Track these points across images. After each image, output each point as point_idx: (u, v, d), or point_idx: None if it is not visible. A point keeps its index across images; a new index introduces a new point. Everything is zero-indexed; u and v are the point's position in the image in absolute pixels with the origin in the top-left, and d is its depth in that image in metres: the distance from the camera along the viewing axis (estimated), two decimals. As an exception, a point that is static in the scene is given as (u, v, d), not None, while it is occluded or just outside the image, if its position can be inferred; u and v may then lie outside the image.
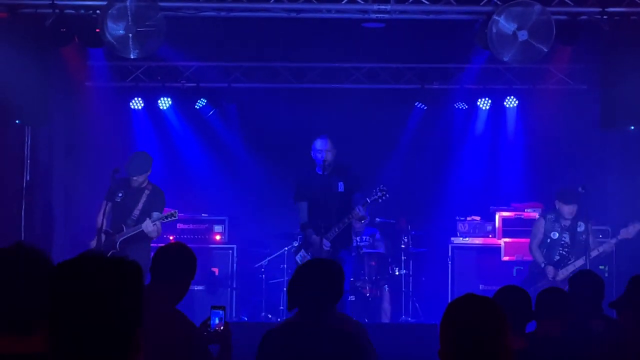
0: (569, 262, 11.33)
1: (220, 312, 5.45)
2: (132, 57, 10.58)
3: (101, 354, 2.52)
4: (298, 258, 11.18)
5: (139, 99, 14.14)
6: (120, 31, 10.27)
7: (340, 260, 10.58)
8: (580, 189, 11.08)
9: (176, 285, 5.80)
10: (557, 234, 11.41)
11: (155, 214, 10.96)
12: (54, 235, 12.68)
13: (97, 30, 10.41)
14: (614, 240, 11.37)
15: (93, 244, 10.75)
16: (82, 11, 10.62)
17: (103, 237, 10.71)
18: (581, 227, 11.34)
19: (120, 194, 11.01)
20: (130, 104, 14.13)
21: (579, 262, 11.23)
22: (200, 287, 12.86)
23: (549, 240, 11.44)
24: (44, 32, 10.59)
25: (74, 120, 13.19)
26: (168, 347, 5.27)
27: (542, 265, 11.36)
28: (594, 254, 11.24)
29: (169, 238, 12.48)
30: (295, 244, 11.70)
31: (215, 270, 13.22)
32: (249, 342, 5.87)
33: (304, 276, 5.53)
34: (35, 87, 10.63)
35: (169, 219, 11.08)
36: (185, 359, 5.50)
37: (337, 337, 5.26)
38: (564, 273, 11.21)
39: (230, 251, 13.37)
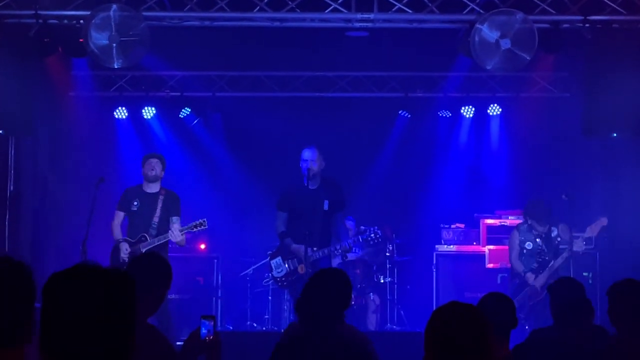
0: (544, 268, 11.30)
1: (210, 322, 5.39)
2: (116, 67, 10.57)
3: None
4: (273, 263, 11.16)
5: (123, 108, 14.14)
6: (104, 41, 10.26)
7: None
8: (563, 196, 11.13)
9: (150, 297, 5.58)
10: (532, 244, 11.41)
11: (175, 218, 10.92)
12: (39, 245, 12.63)
13: (81, 40, 10.39)
14: (581, 240, 11.28)
15: (122, 253, 10.67)
16: (66, 21, 10.60)
17: (125, 246, 10.68)
18: (554, 232, 11.37)
19: (135, 203, 10.90)
20: (115, 113, 14.13)
21: (557, 263, 11.22)
22: (185, 297, 12.84)
23: (524, 251, 11.43)
24: (27, 42, 10.57)
25: (58, 130, 13.17)
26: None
27: (523, 274, 11.35)
28: (565, 254, 11.24)
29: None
30: (269, 252, 11.63)
31: (200, 279, 13.21)
32: (234, 351, 5.88)
33: (316, 288, 5.62)
34: (19, 97, 10.61)
35: (199, 229, 10.98)
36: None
37: (349, 347, 5.30)
38: (543, 278, 11.16)
39: (215, 260, 13.37)
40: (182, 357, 5.36)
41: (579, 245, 11.28)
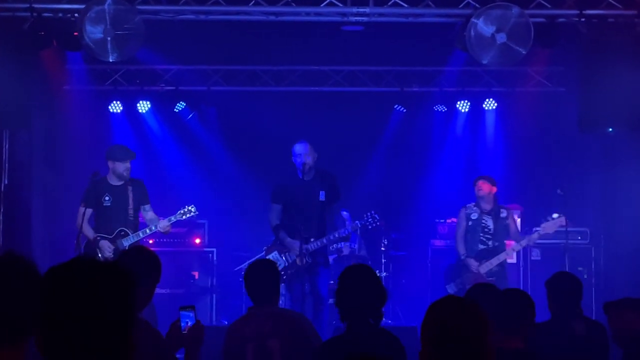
0: (491, 256, 11.16)
1: (190, 312, 5.24)
2: (110, 61, 10.55)
3: (94, 357, 2.51)
4: (270, 258, 11.12)
5: (118, 102, 14.11)
6: (99, 34, 10.24)
7: (317, 264, 10.57)
8: (558, 191, 11.12)
9: (141, 291, 5.45)
10: (477, 215, 11.32)
11: (148, 207, 10.78)
12: (33, 239, 12.60)
13: (76, 33, 10.37)
14: (535, 235, 11.20)
15: (106, 252, 10.41)
16: (60, 14, 10.57)
17: (107, 243, 10.49)
18: (504, 214, 11.33)
19: (107, 197, 10.65)
20: (109, 107, 14.10)
21: (502, 256, 11.18)
22: (180, 291, 12.81)
23: (470, 223, 11.34)
24: (22, 35, 10.54)
25: (53, 124, 13.15)
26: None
27: (463, 257, 11.26)
28: (516, 247, 11.29)
29: (148, 242, 12.42)
30: (265, 247, 11.57)
31: (195, 274, 13.19)
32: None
33: (354, 286, 5.63)
34: (14, 90, 10.58)
35: (188, 216, 10.92)
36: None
37: (389, 339, 5.57)
38: (487, 266, 11.10)
39: (210, 255, 13.34)
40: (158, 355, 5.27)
41: (531, 240, 11.24)
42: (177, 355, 5.33)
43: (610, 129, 11.04)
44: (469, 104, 14.28)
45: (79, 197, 11.12)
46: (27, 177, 12.51)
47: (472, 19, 10.23)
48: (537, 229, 11.27)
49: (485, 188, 11.35)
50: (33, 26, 10.49)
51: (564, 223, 11.14)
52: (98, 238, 10.56)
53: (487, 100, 14.20)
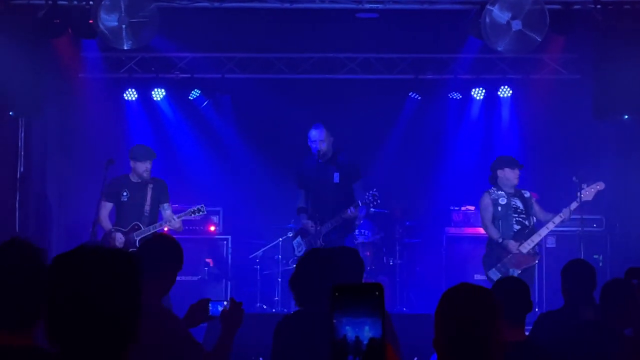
0: (530, 234, 10.83)
1: (221, 302, 5.47)
2: (125, 48, 10.58)
3: (100, 344, 2.52)
4: (295, 244, 11.35)
5: (133, 90, 14.11)
6: (114, 22, 10.26)
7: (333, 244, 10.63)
8: (574, 178, 11.05)
9: (161, 278, 5.65)
10: (506, 200, 10.96)
11: (166, 205, 11.01)
12: (48, 227, 12.66)
13: (91, 21, 10.40)
14: (574, 205, 10.82)
15: (117, 242, 10.67)
16: (75, 2, 10.60)
17: (119, 235, 10.72)
18: (527, 194, 11.05)
19: (125, 193, 10.92)
20: (124, 95, 14.10)
21: (543, 231, 10.87)
22: (194, 278, 12.86)
23: (499, 209, 10.97)
24: (37, 23, 10.58)
25: (68, 112, 13.19)
26: (155, 341, 5.20)
27: (500, 240, 10.83)
28: (557, 220, 10.82)
29: (163, 229, 12.47)
30: (290, 234, 11.74)
31: (210, 261, 13.22)
32: (243, 332, 5.86)
33: (306, 271, 5.74)
34: (29, 78, 10.62)
35: (197, 215, 11.13)
36: (173, 353, 5.45)
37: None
38: (528, 245, 10.78)
39: (225, 242, 13.37)
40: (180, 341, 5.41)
41: (568, 212, 10.78)
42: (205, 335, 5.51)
43: (626, 116, 11.01)
44: (484, 91, 14.23)
45: (93, 184, 11.22)
46: (42, 165, 12.57)
47: (487, 6, 10.21)
48: (572, 204, 10.87)
49: (513, 175, 11.08)
50: (48, 14, 10.52)
51: (602, 187, 10.90)
52: (112, 230, 10.77)
53: (502, 87, 14.14)
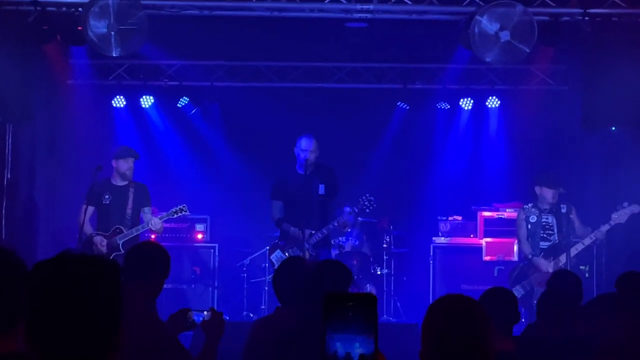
0: (559, 252, 10.85)
1: (202, 313, 5.44)
2: (114, 55, 10.56)
3: (80, 352, 2.51)
4: (274, 258, 11.21)
5: (121, 97, 14.09)
6: (103, 29, 10.25)
7: (320, 257, 10.63)
8: (561, 189, 11.06)
9: (149, 285, 5.69)
10: (536, 217, 11.05)
11: (147, 209, 11.04)
12: (35, 234, 12.61)
13: (80, 28, 10.38)
14: (605, 227, 10.89)
15: (99, 245, 10.72)
16: (64, 9, 10.58)
17: (100, 238, 10.72)
18: (564, 209, 11.00)
19: (107, 196, 10.97)
20: (113, 102, 14.09)
21: (572, 252, 10.81)
22: (181, 286, 12.84)
23: (529, 226, 11.09)
24: (26, 29, 10.55)
25: (56, 118, 13.16)
26: (142, 347, 5.20)
27: (530, 256, 10.96)
28: (587, 242, 10.89)
29: (150, 236, 12.44)
30: (267, 248, 11.68)
31: (197, 269, 13.20)
32: (229, 341, 5.86)
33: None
34: (17, 84, 10.60)
35: (179, 214, 11.19)
36: (161, 359, 5.46)
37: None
38: (556, 264, 10.78)
39: (212, 250, 13.36)
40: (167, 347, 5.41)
41: (601, 233, 10.85)
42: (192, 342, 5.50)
43: (614, 128, 11.04)
44: (472, 101, 14.25)
45: (81, 191, 11.21)
46: (30, 171, 12.53)
47: (476, 17, 10.23)
48: (604, 226, 10.91)
49: (550, 193, 11.02)
50: (37, 20, 10.50)
51: (637, 210, 10.83)
52: (94, 234, 10.81)
53: (490, 98, 14.17)
